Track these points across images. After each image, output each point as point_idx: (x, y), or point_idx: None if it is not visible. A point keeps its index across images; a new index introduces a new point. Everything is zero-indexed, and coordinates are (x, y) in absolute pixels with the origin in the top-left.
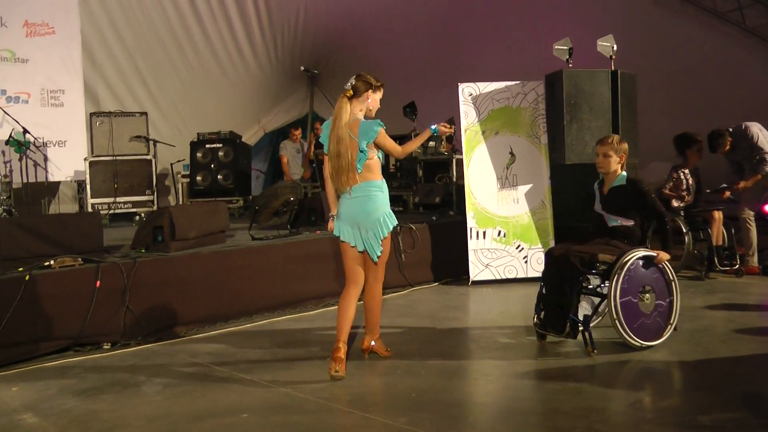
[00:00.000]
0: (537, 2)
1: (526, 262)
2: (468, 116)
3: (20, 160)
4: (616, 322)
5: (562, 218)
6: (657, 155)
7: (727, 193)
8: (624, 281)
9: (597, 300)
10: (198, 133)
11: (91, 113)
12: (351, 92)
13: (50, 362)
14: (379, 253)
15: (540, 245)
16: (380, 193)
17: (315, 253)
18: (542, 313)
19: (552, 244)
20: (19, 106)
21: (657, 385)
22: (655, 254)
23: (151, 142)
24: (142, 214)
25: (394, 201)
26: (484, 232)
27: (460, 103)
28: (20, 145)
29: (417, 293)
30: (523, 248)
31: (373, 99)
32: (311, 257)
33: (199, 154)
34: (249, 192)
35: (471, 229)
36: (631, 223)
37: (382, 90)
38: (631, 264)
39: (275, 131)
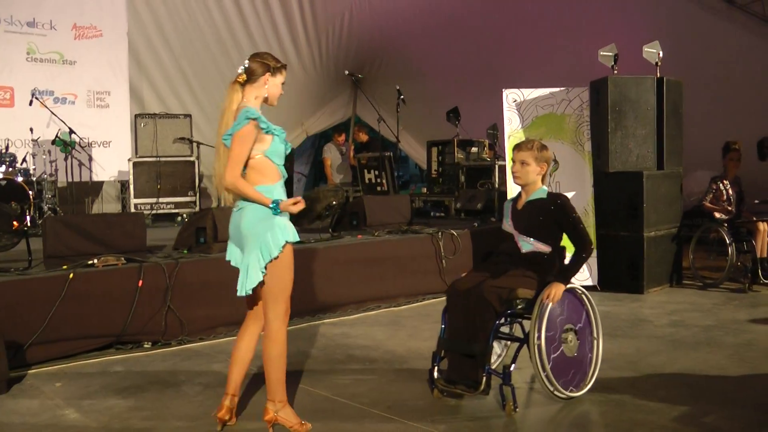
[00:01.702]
0: (583, 8)
1: None
2: (512, 122)
3: (66, 159)
4: (543, 376)
5: (604, 226)
6: (702, 164)
7: None
8: (548, 324)
9: (508, 343)
10: None
11: (135, 115)
12: (244, 77)
13: (92, 359)
14: (252, 285)
15: None
16: (259, 207)
17: (356, 257)
18: (443, 363)
19: (594, 253)
20: (66, 107)
21: (699, 401)
22: (577, 286)
23: (194, 144)
24: (184, 215)
25: (436, 206)
26: None
27: (505, 109)
28: (66, 145)
29: None
30: (564, 256)
31: (273, 83)
32: (352, 261)
33: None
34: (291, 195)
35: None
36: (547, 249)
37: (283, 73)
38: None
39: (317, 134)
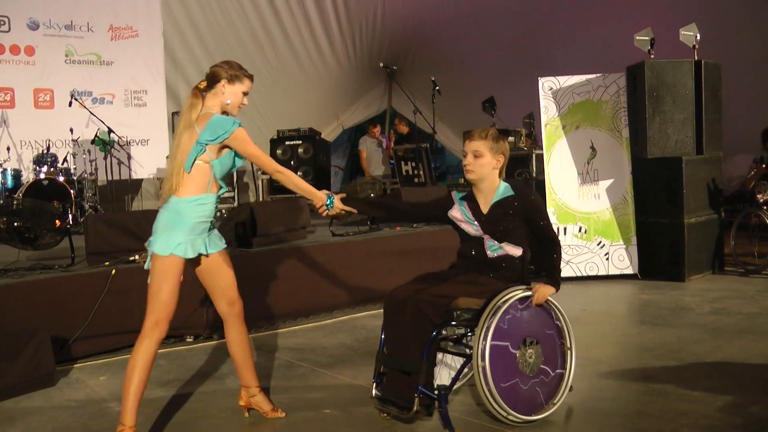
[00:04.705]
0: None
1: (607, 259)
2: (548, 111)
3: (105, 158)
4: (490, 399)
5: (644, 213)
6: (742, 148)
7: None
8: (496, 335)
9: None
10: (278, 130)
11: (172, 113)
12: (204, 83)
13: None
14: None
15: (622, 242)
16: (173, 214)
17: (395, 249)
18: (383, 379)
19: (634, 241)
20: (104, 107)
21: (744, 390)
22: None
23: None
24: (223, 211)
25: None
26: (565, 228)
27: (540, 97)
28: (105, 144)
29: None
30: (604, 245)
31: (230, 91)
32: (391, 253)
33: (278, 151)
34: (328, 188)
35: None
36: (518, 251)
37: (247, 82)
38: (508, 309)
39: (353, 127)
